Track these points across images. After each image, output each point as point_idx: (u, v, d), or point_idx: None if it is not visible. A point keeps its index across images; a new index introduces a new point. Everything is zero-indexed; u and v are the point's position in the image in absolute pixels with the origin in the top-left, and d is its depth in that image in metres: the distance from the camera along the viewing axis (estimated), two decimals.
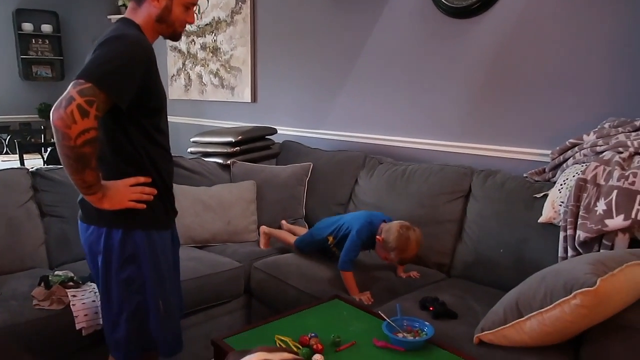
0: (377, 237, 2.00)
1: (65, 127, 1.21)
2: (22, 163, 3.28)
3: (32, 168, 2.40)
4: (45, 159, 3.46)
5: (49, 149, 3.48)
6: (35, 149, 3.67)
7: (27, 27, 5.03)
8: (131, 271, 1.45)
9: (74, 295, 1.86)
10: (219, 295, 2.26)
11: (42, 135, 4.56)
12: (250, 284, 2.36)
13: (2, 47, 4.97)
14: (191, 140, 3.29)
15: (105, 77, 1.25)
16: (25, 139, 4.63)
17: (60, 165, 2.81)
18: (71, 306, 1.82)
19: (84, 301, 1.83)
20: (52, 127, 1.23)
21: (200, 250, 2.50)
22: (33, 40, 5.13)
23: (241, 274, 2.34)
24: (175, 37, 1.54)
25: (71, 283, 1.93)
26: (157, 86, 1.43)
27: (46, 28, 5.15)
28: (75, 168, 1.28)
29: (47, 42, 5.22)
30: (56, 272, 2.01)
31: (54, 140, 1.28)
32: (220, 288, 2.26)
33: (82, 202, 1.47)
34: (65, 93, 1.22)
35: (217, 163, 3.02)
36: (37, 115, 5.19)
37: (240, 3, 3.83)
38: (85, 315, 1.80)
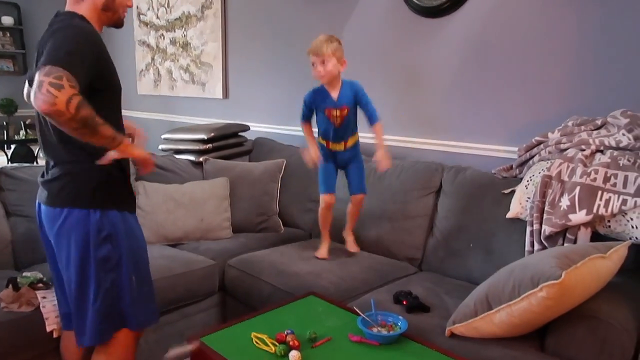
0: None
1: (51, 105, 1.22)
2: None
3: None
4: (9, 157, 3.34)
5: (12, 146, 3.37)
6: None
7: None
8: (107, 250, 1.49)
9: (44, 297, 1.83)
10: (193, 293, 2.25)
11: (5, 132, 4.39)
12: (224, 282, 2.36)
13: None
14: (162, 137, 3.25)
15: (62, 57, 1.28)
16: None
17: (26, 163, 2.74)
18: (41, 308, 1.79)
19: (55, 302, 1.79)
20: (44, 116, 1.26)
21: (173, 249, 2.48)
22: None
23: (215, 272, 2.33)
24: (119, 24, 1.58)
25: (40, 284, 1.89)
26: (109, 70, 1.47)
27: (7, 20, 4.96)
28: (89, 132, 1.32)
29: (9, 34, 5.03)
30: (24, 274, 1.96)
31: (54, 123, 1.30)
32: (194, 286, 2.25)
33: (51, 185, 1.47)
34: (35, 83, 1.24)
35: (189, 160, 3.00)
36: None
37: None
38: (57, 317, 1.77)
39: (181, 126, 3.70)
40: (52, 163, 1.50)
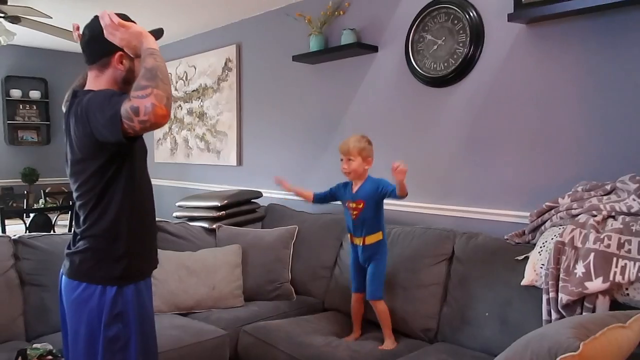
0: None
1: (163, 113, 1.30)
2: (3, 229, 3.23)
3: (14, 236, 2.37)
4: (27, 225, 3.41)
5: (31, 215, 3.45)
6: (18, 215, 3.63)
7: (16, 93, 5.12)
8: (118, 329, 1.47)
9: None
10: None
11: (25, 200, 4.51)
12: (237, 351, 2.31)
13: None
14: (177, 204, 3.31)
15: (114, 97, 1.35)
16: (7, 204, 4.58)
17: (43, 232, 2.77)
18: None
19: None
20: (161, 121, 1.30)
21: (184, 318, 2.45)
22: (20, 105, 5.20)
23: (226, 342, 2.29)
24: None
25: (50, 357, 1.87)
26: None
27: (35, 94, 5.24)
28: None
29: (35, 107, 5.29)
30: (34, 345, 1.96)
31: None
32: (204, 358, 2.20)
33: (74, 257, 1.49)
34: (131, 112, 1.29)
35: (203, 227, 3.03)
36: (20, 180, 5.16)
37: (226, 71, 3.98)
38: None
39: (195, 193, 3.78)
40: (78, 236, 1.52)
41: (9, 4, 3.11)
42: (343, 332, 2.31)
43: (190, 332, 2.24)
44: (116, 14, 1.46)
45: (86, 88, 1.54)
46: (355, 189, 2.23)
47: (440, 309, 2.24)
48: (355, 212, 2.20)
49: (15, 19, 3.16)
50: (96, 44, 1.49)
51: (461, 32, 2.47)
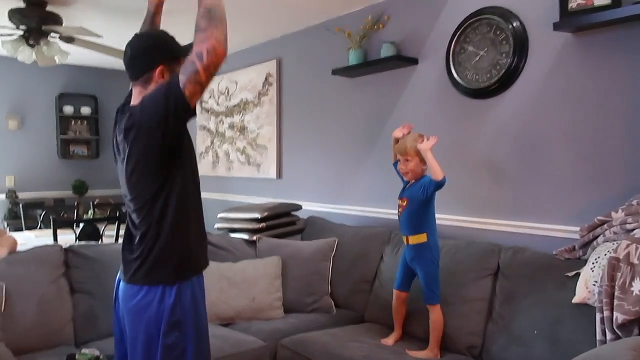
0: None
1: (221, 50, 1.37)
2: (55, 239, 3.37)
3: (65, 245, 2.47)
4: (77, 235, 3.55)
5: (81, 225, 3.59)
6: (68, 225, 3.78)
7: (68, 109, 5.37)
8: (175, 337, 1.50)
9: None
10: None
11: (75, 211, 4.71)
12: None
13: (45, 128, 5.29)
14: (218, 216, 3.36)
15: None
16: (58, 215, 4.79)
17: (92, 241, 2.86)
18: None
19: None
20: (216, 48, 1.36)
21: (225, 328, 2.47)
22: (72, 121, 5.45)
23: (266, 354, 2.29)
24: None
25: None
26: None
27: (85, 110, 5.48)
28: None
29: (85, 123, 5.53)
30: (83, 350, 2.01)
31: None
32: None
33: (133, 262, 1.53)
34: (196, 60, 1.37)
35: (243, 239, 3.06)
36: (71, 192, 5.39)
37: (267, 85, 4.05)
38: None
39: (236, 205, 3.83)
40: (136, 239, 1.56)
41: (63, 25, 3.29)
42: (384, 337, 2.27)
43: (230, 342, 2.25)
44: None
45: (132, 104, 1.60)
46: (407, 186, 2.23)
47: (485, 326, 2.17)
48: (400, 210, 2.21)
49: (69, 39, 3.33)
50: (138, 60, 1.56)
51: (504, 42, 2.43)
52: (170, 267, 1.52)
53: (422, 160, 2.15)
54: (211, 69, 1.38)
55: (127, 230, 1.62)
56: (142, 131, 1.45)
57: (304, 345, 2.22)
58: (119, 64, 5.06)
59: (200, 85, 1.40)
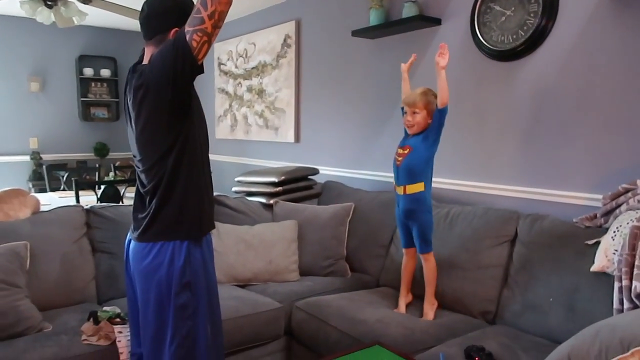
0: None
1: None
2: (77, 200, 3.45)
3: (86, 205, 2.52)
4: (98, 197, 3.62)
5: (102, 187, 3.65)
6: (90, 186, 3.86)
7: (88, 71, 5.39)
8: (187, 297, 1.53)
9: (120, 332, 1.92)
10: (259, 336, 2.26)
11: (97, 173, 4.79)
12: (291, 325, 2.35)
13: (66, 90, 5.34)
14: (235, 179, 3.38)
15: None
16: (81, 177, 4.88)
17: (112, 203, 2.90)
18: (117, 342, 1.87)
19: (129, 337, 1.87)
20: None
21: (242, 290, 2.52)
22: (92, 83, 5.48)
23: (282, 315, 2.33)
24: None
25: (118, 319, 1.99)
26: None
27: (105, 72, 5.50)
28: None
29: (105, 85, 5.56)
30: (104, 308, 2.08)
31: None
32: (261, 329, 2.26)
33: (141, 220, 1.55)
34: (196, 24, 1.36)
35: (260, 202, 3.08)
36: (92, 154, 5.48)
37: (285, 47, 3.98)
38: (130, 352, 1.84)
39: (254, 169, 3.85)
40: (145, 197, 1.59)
41: None
42: (396, 307, 2.28)
43: (247, 303, 2.30)
44: None
45: (143, 63, 1.59)
46: (409, 137, 2.18)
47: (500, 292, 2.16)
48: (400, 159, 2.15)
49: (86, 0, 3.30)
50: (154, 20, 1.53)
51: (532, 1, 2.31)
52: (179, 226, 1.53)
53: (429, 114, 2.10)
54: (216, 17, 1.35)
55: (137, 190, 1.63)
56: (151, 88, 1.44)
57: (319, 307, 2.26)
58: (137, 25, 5.04)
59: (207, 36, 1.37)
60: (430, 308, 2.17)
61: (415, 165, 2.12)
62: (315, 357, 2.22)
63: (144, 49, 1.62)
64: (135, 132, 1.54)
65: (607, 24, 2.10)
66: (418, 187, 2.12)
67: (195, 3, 1.39)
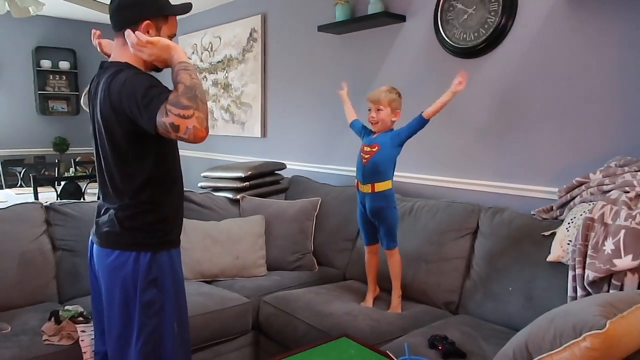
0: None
1: (202, 134, 1.31)
2: (36, 197, 3.34)
3: (46, 202, 2.45)
4: (58, 193, 3.52)
5: (62, 183, 3.55)
6: (49, 182, 3.74)
7: (46, 63, 5.20)
8: (153, 294, 1.50)
9: (83, 331, 1.88)
10: (227, 331, 2.26)
11: (57, 169, 4.65)
12: (258, 320, 2.36)
13: (21, 83, 5.14)
14: (202, 175, 3.34)
15: (155, 93, 1.34)
16: (39, 173, 4.72)
17: (73, 200, 2.83)
18: (80, 342, 1.83)
19: (93, 336, 1.84)
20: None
21: (209, 285, 2.51)
22: (50, 76, 5.29)
23: (249, 310, 2.34)
24: (160, 69, 1.57)
25: (81, 318, 1.95)
26: None
27: (64, 65, 5.32)
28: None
29: (64, 78, 5.38)
30: (66, 307, 2.03)
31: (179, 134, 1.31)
32: (228, 324, 2.26)
33: (103, 227, 1.52)
34: (169, 127, 1.30)
35: (227, 198, 3.06)
36: (51, 149, 5.30)
37: (251, 42, 3.95)
38: (94, 351, 1.80)
39: (220, 164, 3.81)
40: (106, 205, 1.55)
41: None
42: (364, 301, 2.32)
43: (214, 299, 2.29)
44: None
45: (112, 58, 1.54)
46: (375, 135, 2.20)
47: (463, 283, 2.23)
48: (367, 156, 2.16)
49: None
50: (126, 11, 1.48)
51: (493, 0, 2.38)
52: (143, 237, 1.50)
53: (394, 112, 2.15)
54: (183, 140, 1.32)
55: (100, 194, 1.59)
56: (120, 115, 1.40)
57: (287, 301, 2.27)
58: (98, 16, 4.88)
59: (167, 136, 1.33)
60: (398, 301, 2.22)
61: (382, 163, 2.14)
62: (283, 350, 2.23)
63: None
64: (104, 136, 1.48)
65: (563, 22, 2.18)
66: (386, 185, 2.15)
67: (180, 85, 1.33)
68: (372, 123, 2.19)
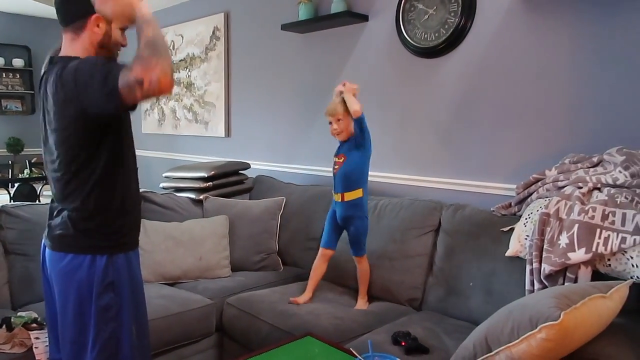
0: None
1: (169, 86, 1.29)
2: None
3: None
4: (12, 195, 3.37)
5: (16, 185, 3.41)
6: (2, 184, 3.58)
7: None
8: (109, 298, 1.45)
9: (37, 338, 1.80)
10: (189, 334, 2.21)
11: (10, 170, 4.45)
12: (222, 321, 2.32)
13: None
14: (163, 175, 3.28)
15: (108, 66, 1.31)
16: None
17: (28, 202, 2.74)
18: (34, 349, 1.76)
19: (48, 343, 1.77)
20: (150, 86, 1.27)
21: (171, 288, 2.45)
22: (4, 74, 5.08)
23: (212, 312, 2.30)
24: (113, 57, 1.53)
25: (35, 325, 1.87)
26: None
27: (18, 62, 5.12)
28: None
29: (18, 76, 5.17)
30: (19, 313, 1.95)
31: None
32: (191, 326, 2.21)
33: (56, 230, 1.46)
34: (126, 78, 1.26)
35: (190, 198, 3.01)
36: (5, 150, 5.08)
37: (214, 40, 3.90)
38: (49, 358, 1.73)
39: (183, 164, 3.74)
40: (59, 207, 1.49)
41: None
42: (329, 300, 2.32)
43: (177, 301, 2.24)
44: None
45: (62, 53, 1.48)
46: (342, 144, 2.24)
47: (426, 280, 2.26)
48: (336, 167, 2.22)
49: None
50: (71, 4, 1.43)
51: (453, 1, 2.42)
52: (99, 240, 1.45)
53: (350, 116, 2.16)
54: (150, 96, 1.29)
55: (53, 197, 1.53)
56: (74, 103, 1.34)
57: (250, 303, 2.24)
58: (53, 12, 4.72)
59: (134, 101, 1.30)
60: (363, 303, 2.24)
61: (350, 173, 2.18)
62: (247, 351, 2.20)
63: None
64: (53, 136, 1.42)
65: (519, 23, 2.24)
66: (356, 194, 2.18)
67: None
68: (336, 135, 2.21)
